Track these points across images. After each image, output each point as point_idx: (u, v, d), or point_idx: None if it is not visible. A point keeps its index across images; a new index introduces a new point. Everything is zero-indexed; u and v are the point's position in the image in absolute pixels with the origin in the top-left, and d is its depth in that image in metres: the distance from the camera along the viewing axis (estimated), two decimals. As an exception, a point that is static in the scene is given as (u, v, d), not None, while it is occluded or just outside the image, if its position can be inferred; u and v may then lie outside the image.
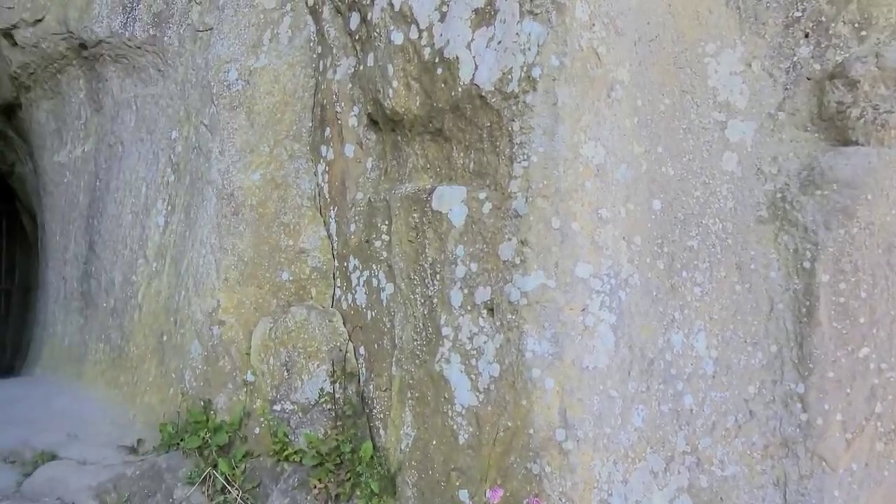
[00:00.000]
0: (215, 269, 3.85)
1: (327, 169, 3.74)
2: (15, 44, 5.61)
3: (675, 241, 2.73)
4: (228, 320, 3.73)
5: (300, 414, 3.34)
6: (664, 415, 2.63)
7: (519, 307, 2.56)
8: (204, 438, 3.49)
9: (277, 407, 3.42)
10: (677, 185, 2.76)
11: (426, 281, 2.96)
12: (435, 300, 2.91)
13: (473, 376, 2.72)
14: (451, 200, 2.82)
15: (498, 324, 2.64)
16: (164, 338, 4.15)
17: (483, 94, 2.67)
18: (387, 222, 3.20)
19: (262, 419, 3.41)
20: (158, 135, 4.59)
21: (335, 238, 3.66)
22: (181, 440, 3.60)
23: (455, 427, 2.78)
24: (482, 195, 2.71)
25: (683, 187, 2.77)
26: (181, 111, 4.42)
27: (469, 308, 2.75)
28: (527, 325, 2.54)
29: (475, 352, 2.72)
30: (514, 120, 2.61)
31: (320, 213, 3.78)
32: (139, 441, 3.91)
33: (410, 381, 3.02)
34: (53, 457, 3.88)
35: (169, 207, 4.40)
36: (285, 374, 3.41)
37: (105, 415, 4.25)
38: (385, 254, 3.22)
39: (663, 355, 2.65)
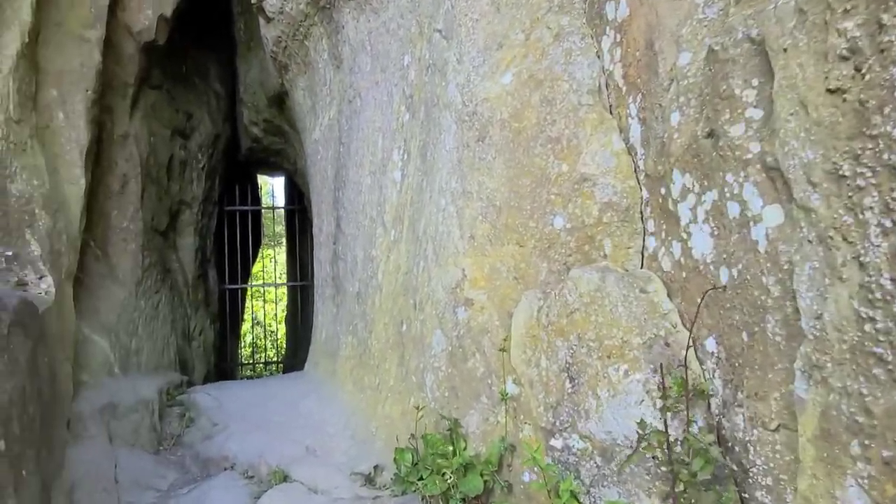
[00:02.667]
0: (457, 225, 2.58)
1: (619, 37, 2.16)
2: (268, 19, 5.27)
3: None
4: (477, 298, 2.41)
5: (599, 460, 1.82)
6: None
7: None
8: (448, 482, 2.21)
9: (557, 442, 1.96)
10: None
11: None
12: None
13: None
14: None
15: None
16: (404, 327, 3.03)
17: None
18: (759, 79, 1.52)
19: (532, 460, 1.99)
20: (392, 68, 3.55)
21: (639, 148, 2.07)
22: (420, 478, 2.38)
23: None
24: None
25: None
26: (412, 27, 3.30)
27: None
28: None
29: None
30: None
31: (610, 112, 2.22)
32: (376, 468, 2.82)
33: (855, 418, 1.27)
34: (286, 477, 3.04)
35: (405, 156, 3.30)
36: (567, 384, 1.93)
37: (346, 425, 3.32)
38: (758, 148, 1.53)
39: None
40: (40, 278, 3.48)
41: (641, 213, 2.07)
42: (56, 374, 3.32)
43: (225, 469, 3.34)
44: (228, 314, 8.49)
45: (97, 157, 5.18)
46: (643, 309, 1.79)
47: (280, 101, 6.41)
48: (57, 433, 3.18)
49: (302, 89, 5.41)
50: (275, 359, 11.69)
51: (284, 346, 11.30)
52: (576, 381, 1.90)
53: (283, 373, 9.40)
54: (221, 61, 7.98)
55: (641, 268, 2.05)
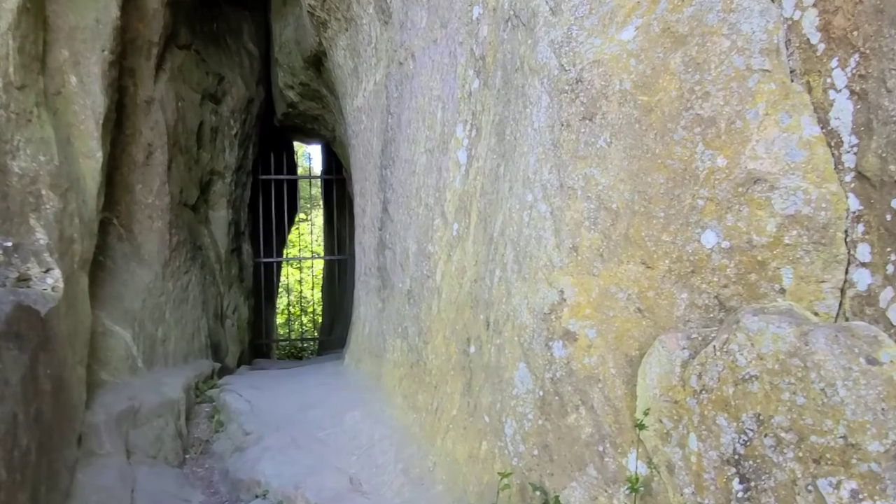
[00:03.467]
0: (552, 230, 1.96)
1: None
2: (306, -31, 4.61)
3: None
4: (582, 331, 1.80)
5: None
6: None
7: None
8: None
9: (715, 560, 1.38)
10: None
11: None
12: None
13: None
14: None
15: None
16: (472, 348, 2.45)
17: None
18: None
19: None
20: (455, 23, 2.89)
21: (848, 136, 1.41)
22: (502, 562, 1.83)
23: None
24: None
25: None
26: (485, -31, 2.63)
27: None
28: None
29: None
30: None
31: (795, 81, 1.55)
32: (437, 524, 2.30)
33: None
34: (327, 519, 2.55)
35: (472, 132, 2.67)
36: (736, 485, 1.33)
37: (398, 454, 2.79)
38: None
39: None
40: (46, 272, 3.00)
41: (847, 232, 1.41)
42: (63, 385, 2.86)
43: (256, 497, 2.86)
44: (263, 288, 8.08)
45: (119, 125, 4.67)
46: (879, 393, 1.16)
47: (318, 62, 5.78)
48: (62, 458, 2.72)
49: (343, 49, 4.77)
50: (311, 333, 11.36)
51: (321, 318, 10.92)
52: (752, 484, 1.30)
53: (319, 351, 8.99)
54: (255, 19, 7.35)
55: (840, 312, 1.41)
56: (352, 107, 4.84)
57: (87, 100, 3.77)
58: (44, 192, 3.14)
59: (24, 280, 2.86)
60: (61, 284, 3.03)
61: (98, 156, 3.79)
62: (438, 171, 2.95)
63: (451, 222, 2.79)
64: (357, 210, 4.71)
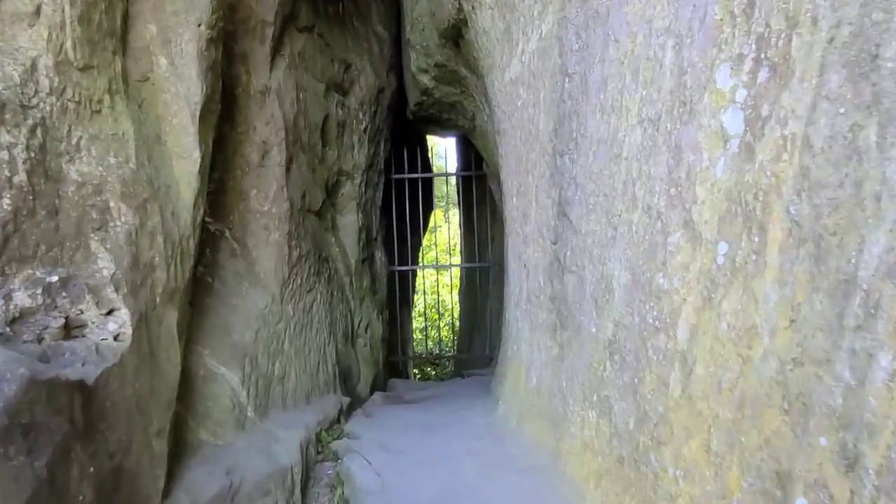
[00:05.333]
0: None
1: None
2: None
3: None
4: None
5: None
6: None
7: None
8: None
9: None
10: None
11: None
12: None
13: None
14: None
15: None
16: (778, 490, 1.21)
17: None
18: None
19: None
20: None
21: None
22: None
23: None
24: None
25: None
26: None
27: None
28: None
29: None
30: None
31: None
32: None
33: None
34: None
35: (760, 73, 1.42)
36: None
37: None
38: None
39: None
40: (108, 314, 2.20)
41: None
42: (123, 478, 2.01)
43: None
44: (398, 300, 7.25)
45: (230, 120, 3.93)
46: None
47: (456, 34, 4.73)
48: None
49: (490, 8, 3.66)
50: (448, 342, 10.49)
51: (458, 326, 9.98)
52: None
53: (456, 368, 8.00)
54: (384, -2, 6.51)
55: None
56: (501, 82, 3.72)
57: (181, 87, 2.99)
58: (112, 203, 2.35)
59: (75, 328, 2.07)
60: (129, 330, 2.21)
61: (195, 155, 3.01)
62: (673, 153, 1.73)
63: (707, 240, 1.55)
64: (511, 213, 3.58)
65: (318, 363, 4.27)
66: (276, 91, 4.15)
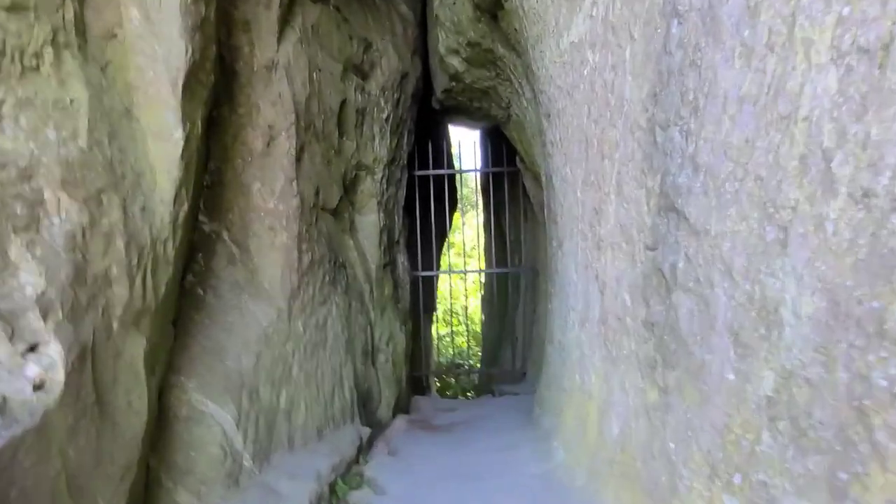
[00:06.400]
0: None
1: None
2: None
3: None
4: None
5: None
6: None
7: None
8: None
9: None
10: None
11: None
12: None
13: None
14: None
15: None
16: None
17: None
18: None
19: None
20: None
21: None
22: None
23: None
24: None
25: None
26: None
27: None
28: None
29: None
30: None
31: None
32: None
33: None
34: None
35: None
36: None
37: None
38: None
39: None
40: (31, 350, 1.55)
41: None
42: None
43: None
44: (422, 308, 6.56)
45: (229, 99, 3.28)
46: None
47: (495, 4, 4.03)
48: None
49: (542, -41, 2.96)
50: (471, 356, 9.77)
51: (480, 337, 9.23)
52: None
53: (481, 380, 7.27)
54: (408, -26, 5.82)
55: None
56: (556, 51, 3.01)
57: (159, 48, 2.33)
58: (48, 194, 1.68)
59: (-27, 375, 1.41)
60: (61, 375, 1.53)
61: (177, 136, 2.34)
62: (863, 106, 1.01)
63: None
64: (570, 210, 2.87)
65: (334, 389, 3.59)
66: (284, 67, 3.49)
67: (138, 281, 1.98)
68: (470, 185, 12.22)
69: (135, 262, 1.96)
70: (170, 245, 2.25)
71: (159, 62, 2.31)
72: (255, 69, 3.35)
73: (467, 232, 12.45)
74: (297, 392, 3.14)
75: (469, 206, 12.67)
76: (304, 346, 3.32)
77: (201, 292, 2.84)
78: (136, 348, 1.95)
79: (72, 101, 1.87)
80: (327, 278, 3.81)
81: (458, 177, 8.32)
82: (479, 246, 11.89)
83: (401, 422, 4.65)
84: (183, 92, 2.36)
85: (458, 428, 4.43)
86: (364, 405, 4.25)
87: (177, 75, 2.34)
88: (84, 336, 1.66)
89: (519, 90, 4.71)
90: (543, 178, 4.20)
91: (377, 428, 4.32)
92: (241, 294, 3.03)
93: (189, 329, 2.62)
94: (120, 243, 1.90)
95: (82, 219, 1.76)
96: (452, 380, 10.00)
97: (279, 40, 3.52)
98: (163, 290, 2.19)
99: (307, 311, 3.45)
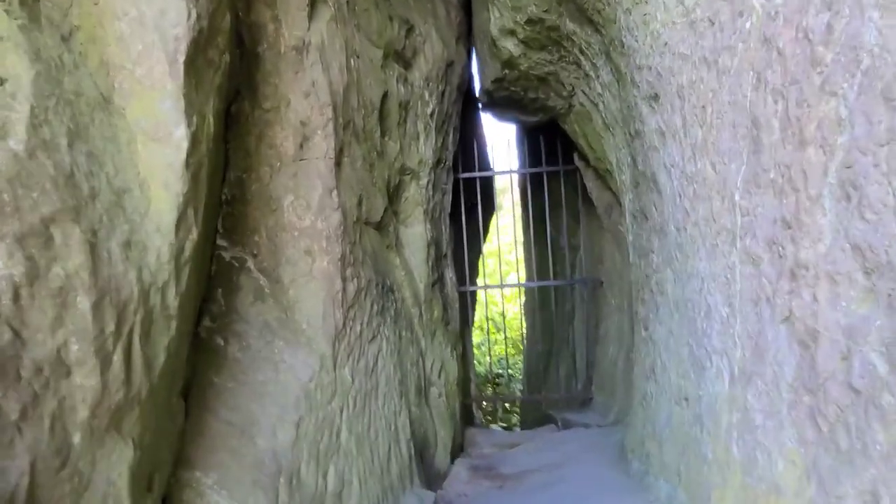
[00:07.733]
0: None
1: None
2: None
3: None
4: None
5: None
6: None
7: None
8: None
9: None
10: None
11: None
12: None
13: None
14: None
15: None
16: None
17: None
18: None
19: None
20: None
21: None
22: None
23: None
24: None
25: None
26: None
27: None
28: None
29: None
30: None
31: None
32: None
33: None
34: None
35: None
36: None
37: None
38: None
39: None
40: None
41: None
42: None
43: None
44: (469, 326, 5.80)
45: (251, 90, 2.57)
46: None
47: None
48: None
49: None
50: (513, 373, 8.95)
51: (525, 356, 8.37)
52: None
53: (533, 405, 6.43)
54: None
55: None
56: (676, 10, 2.24)
57: (148, 8, 1.63)
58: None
59: None
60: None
61: (178, 134, 1.62)
62: None
63: None
64: (704, 220, 2.08)
65: (389, 448, 2.86)
66: (318, 49, 2.77)
67: (117, 358, 1.26)
68: (497, 187, 11.44)
69: (110, 329, 1.25)
70: (170, 292, 1.54)
71: (149, 29, 1.59)
72: (283, 51, 2.64)
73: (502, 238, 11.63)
74: (348, 464, 2.41)
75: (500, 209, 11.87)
76: (353, 400, 2.59)
77: (221, 343, 2.13)
78: (116, 465, 1.23)
79: (1, 81, 1.16)
80: (375, 308, 3.08)
81: (494, 179, 7.52)
82: (515, 252, 11.08)
83: (462, 470, 3.90)
84: (185, 72, 1.64)
85: (532, 478, 3.66)
86: (421, 457, 3.51)
87: (175, 48, 1.62)
88: (19, 464, 0.95)
89: (591, 73, 3.93)
90: (627, 178, 3.43)
91: (436, 480, 3.59)
92: (273, 340, 2.31)
93: (207, 400, 1.90)
94: (83, 304, 1.18)
95: (16, 268, 1.05)
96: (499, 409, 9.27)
97: (311, 17, 2.81)
98: (161, 360, 1.47)
99: (355, 354, 2.73)
